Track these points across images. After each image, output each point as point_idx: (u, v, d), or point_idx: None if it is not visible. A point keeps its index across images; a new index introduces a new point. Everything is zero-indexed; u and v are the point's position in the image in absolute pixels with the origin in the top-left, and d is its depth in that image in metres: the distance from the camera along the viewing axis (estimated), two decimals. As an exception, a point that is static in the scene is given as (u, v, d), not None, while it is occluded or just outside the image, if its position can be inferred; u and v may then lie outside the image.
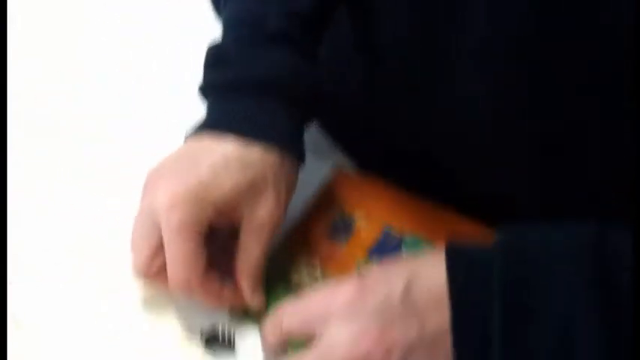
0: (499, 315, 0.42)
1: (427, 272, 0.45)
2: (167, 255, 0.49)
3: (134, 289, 0.52)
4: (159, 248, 0.49)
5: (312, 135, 0.59)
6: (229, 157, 0.50)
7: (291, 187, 0.53)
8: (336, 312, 0.45)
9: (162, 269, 0.49)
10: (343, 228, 0.57)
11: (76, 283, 0.51)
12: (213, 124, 0.52)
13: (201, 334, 0.51)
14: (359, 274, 0.47)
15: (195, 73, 0.53)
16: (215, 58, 0.53)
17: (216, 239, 0.52)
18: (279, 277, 0.53)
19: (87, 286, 0.51)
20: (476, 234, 0.54)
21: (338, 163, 0.61)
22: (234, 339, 0.51)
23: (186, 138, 0.52)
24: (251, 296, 0.51)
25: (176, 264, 0.49)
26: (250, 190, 0.50)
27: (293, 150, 0.52)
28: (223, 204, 0.49)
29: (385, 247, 0.56)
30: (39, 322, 0.50)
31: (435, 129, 0.56)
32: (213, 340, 0.51)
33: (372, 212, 0.58)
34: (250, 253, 0.51)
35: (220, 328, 0.51)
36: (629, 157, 0.46)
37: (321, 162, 0.60)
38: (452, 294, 0.43)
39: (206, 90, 0.54)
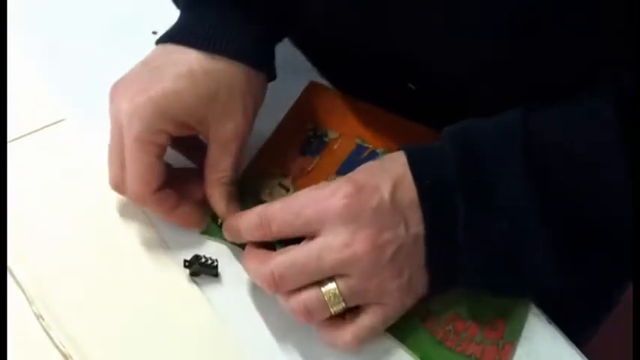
0: (461, 199, 0.45)
1: (407, 175, 0.46)
2: (126, 166, 0.49)
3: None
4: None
5: (290, 52, 0.59)
6: (194, 69, 0.49)
7: (258, 102, 0.53)
8: (333, 216, 0.45)
9: None
10: (317, 141, 0.57)
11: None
12: (180, 35, 0.52)
13: (185, 264, 0.52)
14: (348, 178, 0.47)
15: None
16: None
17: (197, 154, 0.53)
18: (251, 198, 0.53)
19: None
20: None
21: (315, 80, 0.62)
22: (217, 267, 0.52)
23: (156, 44, 0.52)
24: (220, 207, 0.51)
25: (131, 176, 0.49)
26: (215, 102, 0.50)
27: (258, 65, 0.52)
28: (186, 115, 0.49)
29: (358, 160, 0.56)
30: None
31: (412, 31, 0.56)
32: (198, 269, 0.51)
33: (346, 126, 0.58)
34: (218, 166, 0.51)
35: (203, 258, 0.52)
36: None
37: (300, 79, 0.60)
38: (417, 182, 0.46)
39: (177, 0, 0.55)
